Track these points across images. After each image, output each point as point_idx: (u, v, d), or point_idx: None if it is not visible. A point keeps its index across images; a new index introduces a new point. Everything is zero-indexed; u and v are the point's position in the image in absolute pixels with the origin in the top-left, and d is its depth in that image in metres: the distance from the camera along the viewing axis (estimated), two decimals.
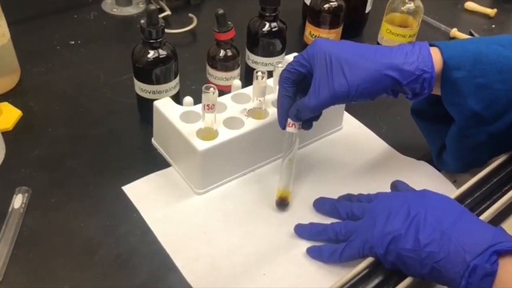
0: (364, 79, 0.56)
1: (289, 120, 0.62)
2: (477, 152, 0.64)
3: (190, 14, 0.99)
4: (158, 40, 0.68)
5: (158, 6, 0.68)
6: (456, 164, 0.67)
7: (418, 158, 0.73)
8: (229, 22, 0.74)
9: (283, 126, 0.63)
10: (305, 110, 0.60)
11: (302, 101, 0.60)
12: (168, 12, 0.98)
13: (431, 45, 0.59)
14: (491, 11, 1.11)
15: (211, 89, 0.61)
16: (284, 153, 0.64)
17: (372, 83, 0.57)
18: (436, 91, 0.60)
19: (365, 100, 0.59)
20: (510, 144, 0.63)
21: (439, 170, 0.71)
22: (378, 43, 0.94)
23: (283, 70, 0.62)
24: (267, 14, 0.77)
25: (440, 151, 0.68)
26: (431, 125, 0.69)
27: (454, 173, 0.69)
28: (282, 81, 0.61)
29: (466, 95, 0.58)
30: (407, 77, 0.56)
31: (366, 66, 0.56)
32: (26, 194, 0.63)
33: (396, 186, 0.63)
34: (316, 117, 0.63)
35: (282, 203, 0.65)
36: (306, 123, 0.63)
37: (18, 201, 0.62)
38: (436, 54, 0.58)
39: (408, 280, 0.52)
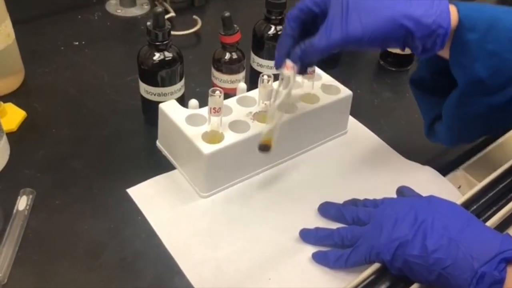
0: (380, 25, 0.54)
1: (288, 62, 0.59)
2: (471, 125, 0.62)
3: (194, 16, 0.99)
4: (164, 42, 0.68)
5: (163, 8, 0.68)
6: (448, 135, 0.65)
7: (423, 163, 0.73)
8: (235, 25, 0.74)
9: (280, 65, 0.60)
10: (314, 51, 0.56)
11: (311, 41, 0.56)
12: (172, 14, 0.98)
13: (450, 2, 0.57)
14: None
15: (217, 92, 0.61)
16: (273, 97, 0.61)
17: (387, 31, 0.54)
18: (444, 52, 0.58)
19: (375, 48, 0.57)
20: (504, 122, 0.62)
21: (443, 175, 0.71)
22: None
23: (292, 9, 0.58)
24: (273, 18, 0.77)
25: (433, 122, 0.67)
26: (428, 96, 0.67)
27: (445, 145, 0.68)
28: (290, 19, 0.57)
29: (474, 59, 0.56)
30: (423, 30, 0.54)
31: (384, 12, 0.54)
32: (31, 196, 0.63)
33: (402, 192, 0.63)
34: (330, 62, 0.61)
35: (263, 148, 0.63)
36: (302, 67, 0.60)
37: (22, 202, 0.62)
38: (453, 12, 0.55)
39: (415, 287, 0.52)
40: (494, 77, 0.56)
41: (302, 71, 0.61)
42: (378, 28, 0.54)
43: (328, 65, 0.83)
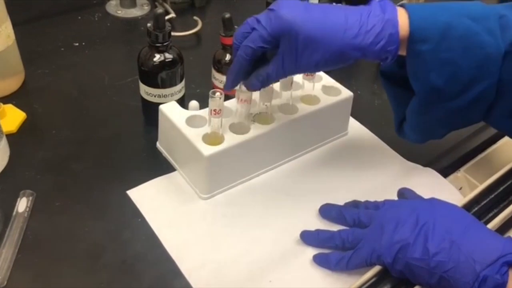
0: (329, 58, 0.56)
1: (240, 87, 0.63)
2: (436, 126, 0.63)
3: (194, 17, 0.99)
4: (165, 43, 0.68)
5: (163, 9, 0.67)
6: (414, 136, 0.66)
7: (424, 165, 0.73)
8: (236, 26, 0.73)
9: (230, 89, 0.62)
10: (269, 80, 0.60)
11: (266, 72, 0.59)
12: (172, 15, 0.98)
13: (401, 5, 0.58)
14: None
15: (218, 94, 0.61)
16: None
17: (337, 62, 0.57)
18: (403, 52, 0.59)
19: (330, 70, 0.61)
20: (469, 120, 0.62)
21: (444, 177, 0.71)
22: None
23: (243, 45, 0.58)
24: None
25: (402, 120, 0.67)
26: (398, 90, 0.66)
27: (413, 143, 0.68)
28: (242, 56, 0.59)
29: (429, 68, 0.56)
30: (371, 56, 0.56)
31: (332, 46, 0.55)
32: (31, 198, 0.63)
33: (404, 194, 0.63)
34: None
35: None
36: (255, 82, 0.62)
37: (22, 204, 0.62)
38: (403, 19, 0.56)
39: None
40: (450, 84, 0.57)
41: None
42: (327, 61, 0.57)
43: None
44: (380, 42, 0.55)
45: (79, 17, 0.98)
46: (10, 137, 0.71)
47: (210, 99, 0.61)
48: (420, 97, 0.60)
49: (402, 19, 0.56)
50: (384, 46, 0.55)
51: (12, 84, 0.79)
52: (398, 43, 0.55)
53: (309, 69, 0.59)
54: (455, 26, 0.55)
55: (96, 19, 0.99)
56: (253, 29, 0.58)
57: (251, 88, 0.62)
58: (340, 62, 0.57)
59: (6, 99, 0.77)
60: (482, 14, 0.56)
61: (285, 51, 0.57)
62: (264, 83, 0.60)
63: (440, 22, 0.55)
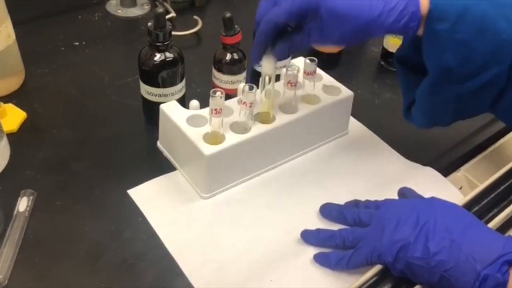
0: (354, 34, 0.58)
1: (270, 61, 0.63)
2: (444, 110, 0.63)
3: (195, 16, 0.99)
4: (165, 43, 0.68)
5: (164, 8, 0.67)
6: (422, 119, 0.66)
7: (425, 164, 0.73)
8: (236, 26, 0.73)
9: (257, 62, 0.63)
10: (295, 49, 0.61)
11: (292, 41, 0.60)
12: (173, 14, 0.98)
13: None
14: None
15: (218, 93, 0.61)
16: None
17: (359, 36, 0.59)
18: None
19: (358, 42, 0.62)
20: (477, 108, 0.63)
21: (445, 176, 0.71)
22: (383, 48, 0.93)
23: (267, 19, 0.59)
24: None
25: (411, 104, 0.67)
26: (410, 76, 0.67)
27: (420, 127, 0.68)
28: (265, 30, 0.59)
29: (444, 48, 0.57)
30: (394, 32, 0.58)
31: (358, 22, 0.57)
32: (31, 197, 0.63)
33: (404, 193, 0.63)
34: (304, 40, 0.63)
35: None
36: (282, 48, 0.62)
37: (23, 204, 0.62)
38: (424, 1, 0.57)
39: None
40: (463, 66, 0.57)
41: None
42: (353, 36, 0.58)
43: (329, 66, 0.83)
44: (402, 19, 0.57)
45: (79, 17, 0.98)
46: (11, 136, 0.71)
47: (210, 99, 0.61)
48: (432, 77, 0.60)
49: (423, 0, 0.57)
50: (406, 23, 0.57)
51: (12, 83, 0.79)
52: (419, 20, 0.57)
53: (334, 43, 0.60)
54: (473, 9, 0.56)
55: (96, 18, 0.99)
56: (276, 3, 0.59)
57: (278, 55, 0.62)
58: (363, 38, 0.59)
59: (6, 99, 0.77)
60: (501, 1, 0.57)
61: (311, 26, 0.58)
62: (291, 51, 0.61)
63: (459, 3, 0.56)
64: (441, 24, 0.56)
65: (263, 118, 0.67)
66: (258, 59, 0.63)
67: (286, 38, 0.61)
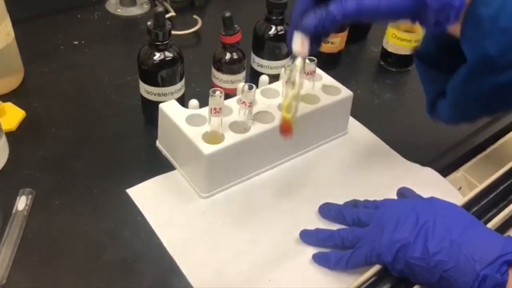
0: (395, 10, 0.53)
1: (299, 37, 0.56)
2: (475, 104, 0.61)
3: (194, 16, 0.99)
4: (165, 42, 0.68)
5: (163, 8, 0.67)
6: (450, 113, 0.63)
7: (424, 164, 0.73)
8: (236, 25, 0.73)
9: (292, 35, 0.57)
10: (330, 20, 0.53)
11: (328, 10, 0.53)
12: (172, 13, 0.98)
13: None
14: None
15: (218, 92, 0.61)
16: (286, 80, 0.60)
17: (402, 2, 0.52)
18: (453, 29, 0.57)
19: (388, 20, 0.57)
20: (507, 103, 0.61)
21: (444, 176, 0.71)
22: (383, 48, 0.93)
23: None
24: (274, 18, 0.77)
25: (435, 99, 0.66)
26: (432, 71, 0.65)
27: (445, 122, 0.66)
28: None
29: (486, 35, 0.55)
30: (439, 1, 0.52)
31: None
32: (30, 196, 0.63)
33: (403, 193, 0.63)
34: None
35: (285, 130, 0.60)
36: (315, 44, 0.57)
37: (22, 203, 0.62)
38: None
39: None
40: (504, 55, 0.55)
41: (315, 46, 0.57)
42: (392, 4, 0.52)
43: (329, 66, 0.83)
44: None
45: (79, 16, 0.98)
46: (10, 135, 0.71)
47: (210, 98, 0.61)
48: (470, 65, 0.57)
49: None
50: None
51: (11, 82, 0.79)
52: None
53: (371, 12, 0.53)
54: None
55: (96, 17, 0.99)
56: None
57: (306, 26, 0.54)
58: (405, 7, 0.53)
59: (5, 97, 0.76)
60: None
61: None
62: (321, 22, 0.54)
63: None
64: (485, 8, 0.53)
65: (263, 117, 0.67)
66: (297, 20, 0.55)
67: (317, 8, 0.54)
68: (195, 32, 0.96)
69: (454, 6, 0.52)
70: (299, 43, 0.55)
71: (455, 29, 0.57)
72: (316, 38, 0.56)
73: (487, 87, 0.57)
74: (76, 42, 0.91)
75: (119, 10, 1.00)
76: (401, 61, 0.92)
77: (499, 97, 0.59)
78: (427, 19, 0.54)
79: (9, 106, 0.74)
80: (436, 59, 0.63)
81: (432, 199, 0.56)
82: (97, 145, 0.72)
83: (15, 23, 0.76)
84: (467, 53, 0.57)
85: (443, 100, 0.63)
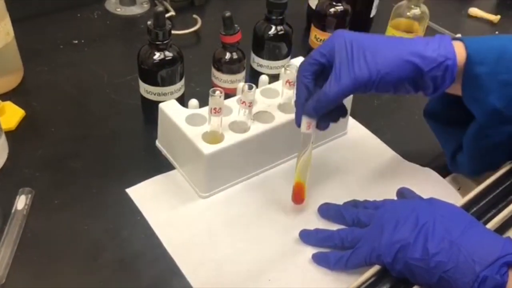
0: (386, 64, 0.54)
1: (304, 120, 0.59)
2: (494, 153, 0.62)
3: (194, 15, 0.99)
4: (165, 42, 0.68)
5: (163, 7, 0.67)
6: (472, 166, 0.65)
7: (423, 165, 0.73)
8: (236, 25, 0.73)
9: (299, 123, 0.60)
10: (326, 100, 0.56)
11: (321, 91, 0.56)
12: (172, 13, 0.98)
13: (454, 39, 0.58)
14: (495, 18, 1.11)
15: (218, 92, 0.61)
16: (298, 153, 0.63)
17: (394, 69, 0.54)
18: (454, 89, 0.58)
19: (387, 90, 0.56)
20: None
21: (443, 177, 0.71)
22: None
23: (301, 63, 0.59)
24: (274, 18, 0.77)
25: (454, 153, 0.67)
26: (445, 128, 0.67)
27: (468, 175, 0.68)
28: (301, 73, 0.58)
29: (488, 91, 0.56)
30: (430, 64, 0.54)
31: (387, 52, 0.55)
32: (30, 195, 0.63)
33: (403, 193, 0.63)
34: (342, 113, 0.61)
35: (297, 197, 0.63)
36: (323, 122, 0.61)
37: (21, 202, 0.62)
38: (459, 48, 0.56)
39: None
40: (510, 106, 0.56)
41: (323, 125, 0.61)
42: (385, 67, 0.54)
43: None
44: (436, 50, 0.55)
45: (78, 15, 0.98)
46: (9, 134, 0.70)
47: (210, 98, 0.61)
48: (480, 121, 0.59)
49: (458, 45, 0.56)
50: (440, 53, 0.55)
51: (10, 81, 0.79)
52: (454, 54, 0.55)
53: (364, 84, 0.55)
54: (510, 48, 0.56)
55: (96, 16, 0.99)
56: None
57: (308, 113, 0.58)
58: (398, 75, 0.55)
59: (4, 97, 0.76)
60: None
61: (339, 62, 0.55)
62: (319, 103, 0.57)
63: (496, 45, 0.56)
64: (482, 67, 0.55)
65: (262, 117, 0.67)
66: (300, 107, 0.59)
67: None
68: (194, 31, 0.96)
69: (447, 65, 0.55)
70: (305, 125, 0.60)
71: (455, 90, 0.58)
72: (322, 118, 0.59)
73: (502, 137, 0.59)
74: (76, 41, 0.91)
75: (119, 10, 1.00)
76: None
77: None
78: (426, 84, 0.56)
79: (9, 105, 0.74)
80: (446, 116, 0.64)
81: (431, 200, 0.56)
82: (97, 145, 0.72)
83: (14, 22, 0.76)
84: (474, 111, 0.59)
85: (462, 154, 0.64)
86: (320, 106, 0.57)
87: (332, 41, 0.56)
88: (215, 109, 0.61)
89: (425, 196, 0.60)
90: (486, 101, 0.56)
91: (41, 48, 0.88)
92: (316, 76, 0.58)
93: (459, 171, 0.68)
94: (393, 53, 0.55)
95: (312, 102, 0.57)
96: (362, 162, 0.73)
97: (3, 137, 0.67)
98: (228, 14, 0.72)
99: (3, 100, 0.74)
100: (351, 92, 0.56)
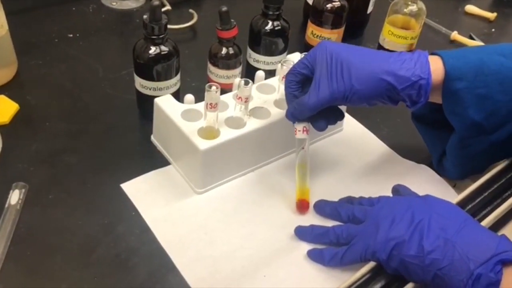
0: (360, 81, 0.57)
1: (297, 126, 0.62)
2: (477, 160, 0.65)
3: (190, 10, 0.98)
4: (161, 36, 0.67)
5: (159, 1, 0.67)
6: (456, 171, 0.67)
7: (419, 161, 0.73)
8: (232, 20, 0.73)
9: (294, 122, 0.63)
10: (304, 109, 0.60)
11: (301, 99, 0.60)
12: (168, 7, 0.97)
13: (434, 53, 0.60)
14: (491, 15, 1.11)
15: (214, 87, 0.60)
16: (295, 157, 0.65)
17: (367, 86, 0.58)
18: (437, 99, 0.61)
19: (362, 104, 0.60)
20: (510, 151, 0.64)
21: (439, 174, 0.71)
22: (379, 44, 0.93)
23: (287, 73, 0.62)
24: (271, 13, 0.76)
25: (441, 156, 0.69)
26: (432, 131, 0.69)
27: (454, 179, 0.69)
28: (286, 84, 0.62)
29: (467, 105, 0.59)
30: (403, 83, 0.57)
31: (364, 68, 0.58)
32: (23, 190, 0.62)
33: (398, 190, 0.63)
34: (338, 116, 0.64)
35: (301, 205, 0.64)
36: (320, 123, 0.62)
37: (15, 197, 0.61)
38: (437, 64, 0.59)
39: (409, 286, 0.52)
40: (489, 118, 0.59)
41: (319, 126, 0.63)
42: (359, 84, 0.57)
43: None
44: (410, 69, 0.57)
45: (73, 8, 0.97)
46: (3, 128, 0.70)
47: (206, 93, 0.60)
48: (460, 133, 0.61)
49: (436, 61, 0.59)
50: (414, 73, 0.57)
51: (4, 74, 0.78)
52: (429, 73, 0.57)
53: (341, 98, 0.59)
54: (487, 62, 0.58)
55: (91, 10, 0.98)
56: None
57: (286, 116, 0.62)
58: (373, 90, 0.58)
59: None
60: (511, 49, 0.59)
61: (319, 75, 0.59)
62: (297, 111, 0.61)
63: (473, 60, 0.58)
64: (460, 82, 0.57)
65: (258, 113, 0.67)
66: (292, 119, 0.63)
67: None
68: (190, 26, 0.95)
69: (421, 85, 0.57)
70: (298, 130, 0.63)
71: (439, 100, 0.61)
72: (318, 120, 0.62)
73: (483, 146, 0.62)
74: (71, 35, 0.90)
75: (114, 3, 1.00)
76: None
77: (499, 149, 0.63)
78: (401, 99, 0.59)
79: (2, 99, 0.74)
80: (432, 120, 0.66)
81: (427, 197, 0.56)
82: (91, 139, 0.72)
83: (8, 15, 0.76)
84: (454, 124, 0.62)
85: (446, 158, 0.66)
86: (298, 113, 0.61)
87: (315, 53, 0.60)
88: (211, 104, 0.61)
89: (420, 193, 0.60)
90: (465, 114, 0.59)
91: (36, 41, 0.88)
92: (301, 84, 0.61)
93: (445, 174, 0.69)
94: (368, 70, 0.58)
95: (291, 109, 0.62)
96: (357, 158, 0.73)
97: None
98: (225, 9, 0.71)
99: None
100: (328, 103, 0.59)
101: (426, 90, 0.57)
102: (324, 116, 0.62)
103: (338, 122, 0.75)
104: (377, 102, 0.60)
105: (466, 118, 0.59)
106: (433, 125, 0.67)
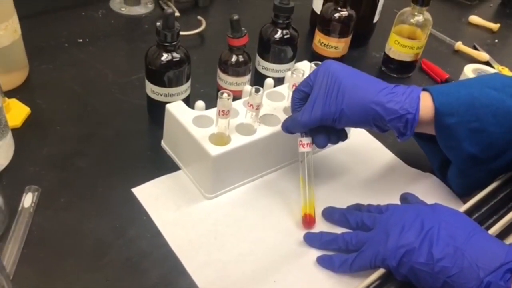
0: (350, 106, 0.60)
1: (301, 140, 0.64)
2: (479, 182, 0.65)
3: (198, 17, 0.99)
4: (173, 43, 0.68)
5: (167, 7, 0.68)
6: (460, 191, 0.69)
7: (425, 170, 0.74)
8: (243, 28, 0.74)
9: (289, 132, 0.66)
10: (296, 125, 0.63)
11: (295, 115, 0.63)
12: (176, 14, 0.98)
13: (424, 89, 0.62)
14: (495, 26, 1.12)
15: (226, 94, 0.61)
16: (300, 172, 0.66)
17: (355, 113, 0.60)
18: (433, 133, 0.63)
19: (349, 126, 0.63)
20: (508, 171, 0.65)
21: (445, 183, 0.72)
22: (385, 54, 0.94)
23: (293, 90, 0.65)
24: (280, 22, 0.77)
25: (441, 166, 0.70)
26: (431, 145, 0.69)
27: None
28: (291, 100, 0.65)
29: (461, 139, 0.60)
30: (390, 114, 0.59)
31: (356, 96, 0.60)
32: (36, 193, 0.63)
33: (407, 198, 0.64)
34: (341, 137, 0.66)
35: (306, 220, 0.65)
36: (321, 142, 0.64)
37: (28, 200, 0.62)
38: (427, 100, 0.60)
39: None
40: (485, 150, 0.60)
41: (319, 144, 0.65)
42: (348, 110, 0.60)
43: None
44: (399, 102, 0.59)
45: (83, 13, 0.98)
46: (15, 131, 0.71)
47: (218, 100, 0.61)
48: (458, 165, 0.63)
49: (426, 97, 0.60)
50: (402, 107, 0.59)
51: (16, 78, 0.79)
52: (417, 109, 0.59)
53: (332, 121, 0.61)
54: (478, 97, 0.59)
55: (100, 15, 0.99)
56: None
57: (282, 128, 0.65)
58: (362, 117, 0.60)
59: (10, 93, 0.76)
60: (503, 83, 0.60)
61: (314, 96, 0.61)
62: (291, 126, 0.64)
63: (463, 95, 0.60)
64: (452, 118, 0.59)
65: (268, 120, 0.68)
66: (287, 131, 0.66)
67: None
68: (199, 33, 0.96)
69: (408, 118, 0.60)
70: (300, 144, 0.65)
71: (429, 130, 0.63)
72: (319, 138, 0.64)
73: (483, 173, 0.63)
74: (80, 40, 0.91)
75: (123, 9, 1.01)
76: (402, 68, 0.94)
77: (500, 173, 0.65)
78: (389, 128, 0.61)
79: (14, 103, 0.74)
80: (430, 136, 0.66)
81: (435, 206, 0.57)
82: (102, 143, 0.73)
83: (20, 19, 0.76)
84: (450, 157, 0.64)
85: (450, 170, 0.68)
86: (291, 128, 0.64)
87: (318, 72, 0.62)
88: (223, 111, 0.62)
89: (427, 201, 0.61)
90: (461, 147, 0.61)
91: (46, 46, 0.89)
92: (304, 101, 0.64)
93: (450, 186, 0.71)
94: (359, 97, 0.60)
95: (286, 122, 0.65)
96: (364, 166, 0.74)
97: (10, 134, 0.67)
98: (236, 17, 0.72)
99: (8, 97, 0.74)
100: (319, 123, 0.62)
101: (412, 125, 0.60)
102: (326, 133, 0.64)
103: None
104: (365, 127, 0.63)
105: (462, 151, 0.61)
106: (431, 140, 0.67)
